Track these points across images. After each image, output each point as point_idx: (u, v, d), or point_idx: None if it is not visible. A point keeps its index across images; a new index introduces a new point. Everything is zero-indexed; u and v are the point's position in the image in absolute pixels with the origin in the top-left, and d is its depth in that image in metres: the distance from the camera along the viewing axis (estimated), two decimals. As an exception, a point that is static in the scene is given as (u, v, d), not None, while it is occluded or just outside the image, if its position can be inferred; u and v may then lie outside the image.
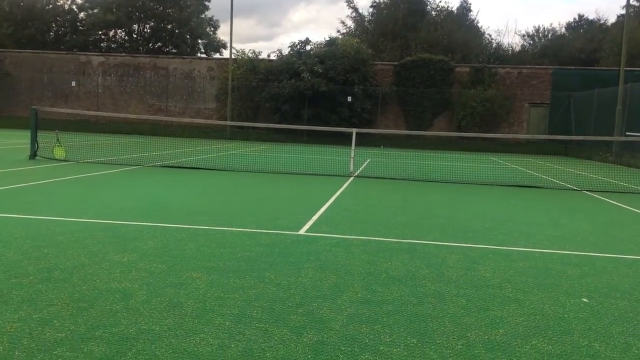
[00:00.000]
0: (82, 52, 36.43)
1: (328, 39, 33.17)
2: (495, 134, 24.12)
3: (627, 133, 23.34)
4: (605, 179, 14.02)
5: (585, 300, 3.93)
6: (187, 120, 20.72)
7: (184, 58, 35.98)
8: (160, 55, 36.49)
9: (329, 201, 8.11)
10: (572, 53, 45.53)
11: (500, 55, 46.85)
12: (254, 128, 32.04)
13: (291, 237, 5.53)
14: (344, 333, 3.08)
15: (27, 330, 2.91)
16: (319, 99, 29.67)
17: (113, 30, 45.72)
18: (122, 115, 29.52)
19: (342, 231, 5.92)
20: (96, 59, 34.82)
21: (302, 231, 5.84)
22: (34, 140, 12.53)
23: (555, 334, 3.25)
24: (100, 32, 45.25)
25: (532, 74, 31.69)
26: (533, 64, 41.54)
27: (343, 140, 28.77)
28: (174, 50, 45.90)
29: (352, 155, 12.30)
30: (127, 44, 45.55)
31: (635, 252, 5.59)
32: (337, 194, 9.01)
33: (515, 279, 4.39)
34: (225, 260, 4.49)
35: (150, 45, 45.61)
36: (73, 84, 33.34)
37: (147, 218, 6.16)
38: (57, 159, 12.37)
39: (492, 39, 49.61)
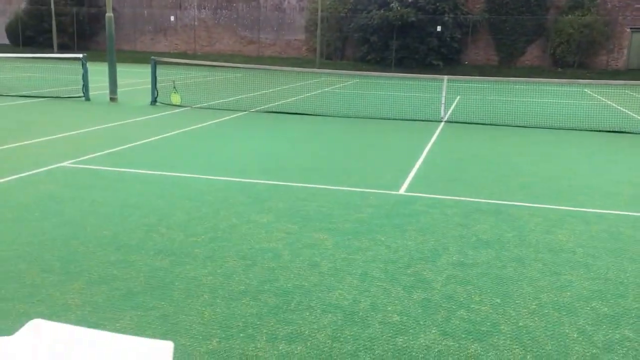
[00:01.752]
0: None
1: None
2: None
3: None
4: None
5: (646, 266, 4.71)
6: (279, 55, 21.63)
7: (274, -11, 36.49)
8: (250, -13, 37.17)
9: (422, 155, 8.98)
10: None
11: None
12: (342, 57, 32.57)
13: (394, 197, 6.54)
14: (443, 292, 4.09)
15: (218, 282, 4.13)
16: (408, 29, 29.65)
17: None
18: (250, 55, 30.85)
19: (437, 191, 6.84)
20: (192, -8, 36.05)
21: (402, 190, 6.82)
22: (153, 88, 14.02)
23: (613, 297, 4.11)
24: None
25: (636, -4, 29.83)
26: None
27: (432, 70, 28.87)
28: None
29: (443, 101, 12.92)
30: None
31: None
32: (429, 145, 9.83)
33: (588, 243, 5.19)
34: (344, 221, 5.58)
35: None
36: (172, 18, 34.88)
37: (270, 176, 7.33)
38: (174, 105, 13.85)
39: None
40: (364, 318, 3.69)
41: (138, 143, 9.26)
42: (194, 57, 33.03)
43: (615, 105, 16.98)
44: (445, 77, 13.19)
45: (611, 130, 11.91)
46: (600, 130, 11.83)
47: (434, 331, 3.55)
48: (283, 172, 7.66)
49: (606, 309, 3.92)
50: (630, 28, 29.69)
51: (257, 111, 13.51)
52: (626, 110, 15.62)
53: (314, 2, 32.38)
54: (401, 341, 3.42)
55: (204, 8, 35.26)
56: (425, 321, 3.67)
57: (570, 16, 29.27)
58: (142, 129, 10.56)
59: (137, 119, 11.85)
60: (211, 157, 8.44)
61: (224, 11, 35.03)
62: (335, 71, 16.91)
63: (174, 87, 14.13)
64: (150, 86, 14.18)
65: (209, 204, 6.05)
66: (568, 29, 29.14)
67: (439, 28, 29.42)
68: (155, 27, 35.97)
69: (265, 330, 3.47)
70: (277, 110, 13.69)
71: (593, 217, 5.98)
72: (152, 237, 4.98)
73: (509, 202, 6.48)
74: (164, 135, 10.06)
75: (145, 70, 19.44)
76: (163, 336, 3.34)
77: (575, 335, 3.54)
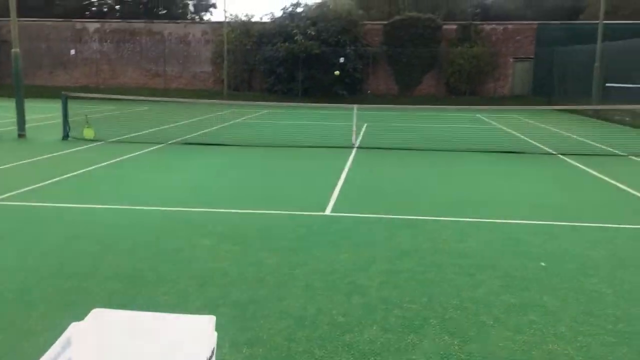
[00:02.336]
0: (78, 19, 36.83)
1: (320, 0, 33.93)
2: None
3: (606, 84, 24.88)
4: (581, 139, 15.63)
5: (542, 264, 5.53)
6: (185, 87, 21.86)
7: (178, 23, 36.60)
8: (155, 21, 37.05)
9: (341, 178, 9.63)
10: (557, 2, 46.41)
11: (485, 5, 47.65)
12: (249, 89, 33.16)
13: (322, 217, 7.09)
14: (378, 296, 4.66)
15: (175, 300, 4.45)
16: (313, 60, 30.76)
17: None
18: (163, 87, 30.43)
19: (359, 210, 7.47)
20: (92, 25, 35.39)
21: (328, 211, 7.39)
22: (65, 123, 13.84)
23: (518, 290, 4.85)
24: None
25: (516, 29, 32.83)
26: (517, 14, 42.46)
27: (337, 99, 30.09)
28: (163, 12, 46.25)
29: (354, 129, 13.77)
30: (117, 7, 45.79)
31: (587, 220, 7.20)
32: (346, 169, 10.53)
33: (493, 248, 5.99)
34: (281, 241, 6.04)
35: (141, 7, 45.87)
36: (72, 52, 34.03)
37: (202, 204, 7.66)
38: (87, 139, 13.73)
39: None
40: (313, 321, 4.17)
41: (61, 178, 9.25)
42: (97, 90, 32.31)
43: (505, 128, 18.69)
44: (355, 106, 14.08)
45: (504, 150, 13.21)
46: (494, 151, 13.09)
47: (375, 328, 4.09)
48: (214, 199, 8.01)
49: (514, 300, 4.64)
50: (513, 58, 32.56)
51: (175, 143, 13.70)
52: (515, 133, 17.26)
53: (219, 35, 32.85)
54: (348, 338, 3.93)
55: (106, 41, 34.70)
56: (367, 320, 4.21)
57: (460, 48, 31.65)
58: (61, 164, 10.49)
59: (54, 154, 11.70)
60: (141, 188, 8.63)
61: (127, 44, 34.64)
62: (251, 103, 17.41)
63: (87, 122, 14.02)
64: (57, 121, 14.05)
65: (149, 231, 6.31)
66: (459, 59, 31.47)
67: (341, 59, 30.78)
68: (54, 61, 34.87)
69: (227, 338, 3.86)
70: (195, 142, 13.94)
71: (496, 226, 6.83)
72: (101, 265, 5.20)
73: (423, 217, 7.22)
74: (87, 169, 10.08)
75: (46, 105, 19.05)
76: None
77: (491, 322, 4.21)
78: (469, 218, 7.19)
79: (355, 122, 13.89)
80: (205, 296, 4.55)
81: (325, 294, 4.66)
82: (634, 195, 8.73)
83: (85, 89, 32.39)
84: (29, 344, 3.70)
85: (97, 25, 35.37)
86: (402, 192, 8.70)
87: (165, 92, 32.16)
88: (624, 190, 9.08)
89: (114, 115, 20.85)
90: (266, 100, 28.84)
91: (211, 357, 1.71)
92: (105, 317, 1.87)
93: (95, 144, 13.33)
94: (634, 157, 12.60)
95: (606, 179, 9.98)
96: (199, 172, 10.12)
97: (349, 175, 9.95)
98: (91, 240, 5.93)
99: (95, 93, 32.22)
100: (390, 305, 4.48)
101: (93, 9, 45.56)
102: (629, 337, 4.00)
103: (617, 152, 13.39)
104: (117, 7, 46.08)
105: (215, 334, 1.81)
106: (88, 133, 13.93)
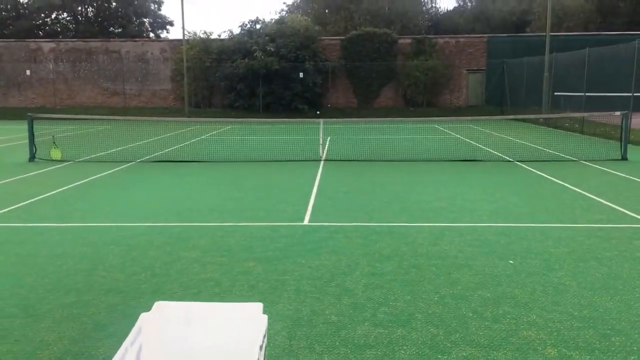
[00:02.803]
0: (32, 40, 36.29)
1: (277, 17, 34.41)
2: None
3: (555, 93, 26.08)
4: (534, 146, 16.43)
5: (511, 262, 5.98)
6: (146, 105, 21.91)
7: (135, 41, 36.46)
8: (111, 39, 36.85)
9: (314, 190, 9.98)
10: (504, 16, 48.26)
11: (437, 20, 49.16)
12: (210, 105, 33.26)
13: (301, 227, 7.41)
14: (365, 296, 5.00)
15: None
16: (273, 76, 31.13)
17: (56, 13, 45.25)
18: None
19: (335, 219, 7.82)
20: (47, 45, 34.95)
21: (306, 222, 7.71)
22: (31, 144, 13.77)
23: (492, 286, 5.27)
24: (43, 15, 44.73)
25: (468, 42, 34.03)
26: (467, 28, 43.97)
27: (298, 114, 30.52)
28: (119, 30, 45.92)
29: (321, 142, 14.16)
30: (72, 26, 45.24)
31: (547, 221, 7.73)
32: (317, 181, 10.88)
33: (465, 249, 6.42)
34: (265, 251, 6.33)
35: (96, 26, 45.44)
36: (28, 72, 33.47)
37: (183, 219, 7.87)
38: (54, 160, 13.70)
39: (431, 4, 51.75)
40: (309, 321, 4.47)
41: (38, 198, 9.29)
42: (54, 111, 31.86)
43: (463, 138, 19.42)
44: (322, 120, 14.49)
45: (464, 159, 13.82)
46: (455, 160, 13.68)
47: (366, 324, 4.43)
48: (193, 214, 8.23)
49: (488, 294, 5.06)
50: (466, 70, 33.71)
51: (144, 161, 13.80)
52: (473, 142, 17.98)
53: (178, 53, 32.91)
54: (343, 334, 4.25)
55: (62, 61, 34.28)
56: (358, 318, 4.54)
57: (415, 61, 32.61)
58: (35, 185, 10.50)
59: (23, 175, 11.66)
60: (118, 206, 8.76)
61: (83, 63, 34.30)
62: (222, 120, 17.57)
63: (54, 142, 13.99)
64: (18, 142, 14.00)
65: (135, 247, 6.50)
66: (415, 72, 32.41)
67: (301, 75, 31.26)
68: (8, 82, 34.22)
69: (231, 340, 4.13)
70: (164, 159, 14.07)
71: (465, 230, 7.28)
72: (96, 280, 5.38)
73: (398, 223, 7.62)
74: (61, 188, 10.12)
75: (2, 127, 18.73)
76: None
77: (470, 314, 4.60)
78: (440, 223, 7.62)
79: (322, 135, 14.27)
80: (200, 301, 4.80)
81: (316, 297, 4.97)
82: (587, 196, 9.36)
83: (42, 109, 31.91)
84: (44, 353, 3.89)
85: (52, 44, 34.94)
86: (374, 201, 9.09)
87: (125, 111, 31.98)
88: (578, 192, 9.71)
89: (76, 135, 20.70)
90: (228, 117, 29.01)
91: (264, 336, 2.00)
92: (167, 308, 2.15)
93: (63, 164, 13.31)
94: (584, 162, 13.37)
95: (561, 182, 10.63)
96: (173, 188, 10.30)
97: (320, 187, 10.30)
98: (79, 258, 6.08)
99: (52, 113, 31.77)
100: (377, 304, 4.83)
101: (46, 28, 44.85)
102: (593, 322, 4.45)
103: (569, 157, 14.18)
104: (72, 26, 45.48)
105: (265, 316, 2.10)
106: (55, 154, 13.88)
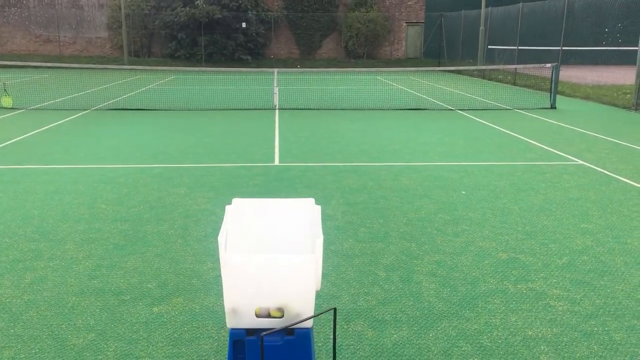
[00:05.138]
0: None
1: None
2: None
3: (488, 46, 27.38)
4: (471, 95, 17.57)
5: (463, 192, 6.92)
6: (81, 54, 21.57)
7: (68, -15, 34.96)
8: (42, -17, 35.13)
9: (275, 136, 10.62)
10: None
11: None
12: (149, 55, 32.72)
13: (273, 167, 8.09)
14: (345, 220, 5.79)
15: (181, 233, 5.32)
16: (214, 25, 30.90)
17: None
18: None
19: (303, 160, 8.54)
20: (-29, -12, 33.02)
21: (276, 162, 8.39)
22: (-19, 92, 13.61)
23: (450, 210, 6.18)
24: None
25: (408, -5, 34.71)
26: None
27: (241, 64, 30.59)
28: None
29: (276, 91, 14.70)
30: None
31: (490, 160, 8.74)
32: (276, 128, 11.51)
33: (423, 183, 7.31)
34: (246, 186, 6.99)
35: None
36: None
37: (159, 161, 8.37)
38: (5, 107, 13.61)
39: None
40: (301, 240, 5.22)
41: (6, 144, 9.47)
42: (-17, 58, 30.49)
43: (405, 88, 20.37)
44: (276, 70, 14.97)
45: (409, 108, 14.74)
46: (400, 109, 14.58)
47: (350, 241, 5.23)
48: (168, 157, 8.72)
49: (448, 217, 5.96)
50: (406, 22, 34.54)
51: (99, 109, 13.93)
52: (415, 92, 18.95)
53: (115, 0, 31.96)
54: (333, 247, 5.04)
55: (-11, 5, 32.59)
56: (342, 236, 5.33)
57: (356, 12, 33.12)
58: (-6, 132, 10.60)
59: (-20, 122, 11.66)
60: (94, 149, 9.11)
61: (12, 9, 32.75)
62: (165, 68, 17.63)
63: (5, 90, 13.85)
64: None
65: (125, 185, 7.01)
66: (356, 24, 32.95)
67: (244, 24, 31.18)
68: None
69: (238, 255, 4.83)
70: (119, 107, 14.23)
71: (420, 168, 8.18)
72: (99, 212, 5.91)
73: (360, 163, 8.43)
74: (26, 134, 10.30)
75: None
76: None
77: (435, 232, 5.49)
78: (398, 163, 8.49)
79: (277, 85, 14.79)
80: (205, 229, 5.46)
81: (302, 222, 5.71)
82: (522, 139, 10.47)
83: (-30, 56, 30.45)
84: (79, 267, 4.48)
85: (-23, -13, 33.06)
86: (333, 144, 9.85)
87: (60, 59, 31.02)
88: (514, 135, 10.81)
89: (18, 84, 20.21)
90: (169, 65, 28.74)
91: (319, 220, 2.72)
92: (242, 203, 2.83)
93: (17, 111, 13.27)
94: (517, 110, 14.58)
95: (499, 128, 11.73)
96: (140, 134, 10.66)
97: (281, 133, 10.94)
98: (75, 194, 6.55)
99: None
100: (356, 225, 5.63)
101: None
102: (534, 234, 5.43)
103: (504, 106, 15.37)
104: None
105: (319, 207, 2.81)
106: (6, 101, 13.77)
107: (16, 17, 32.97)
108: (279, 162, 8.40)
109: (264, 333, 2.31)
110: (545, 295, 4.11)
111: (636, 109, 14.88)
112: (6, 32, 33.03)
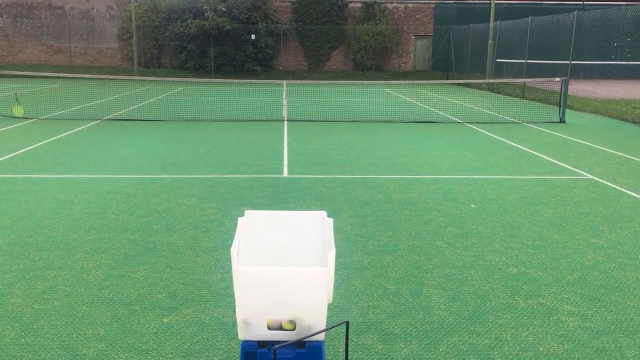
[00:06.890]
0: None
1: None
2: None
3: (497, 60, 27.41)
4: (479, 109, 17.57)
5: (472, 205, 6.90)
6: (92, 64, 21.75)
7: (80, -4, 35.37)
8: (54, -6, 35.56)
9: (284, 147, 10.65)
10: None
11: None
12: (159, 66, 32.96)
13: (282, 179, 8.10)
14: (355, 232, 5.79)
15: (191, 244, 5.33)
16: (224, 37, 31.11)
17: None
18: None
19: (312, 172, 8.55)
20: (-15, -1, 33.46)
21: (285, 174, 8.41)
22: (-7, 101, 13.75)
23: (459, 224, 6.17)
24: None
25: (416, 8, 34.88)
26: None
27: (250, 75, 30.77)
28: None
29: (285, 103, 14.76)
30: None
31: (500, 173, 8.73)
32: (285, 139, 11.54)
33: (432, 196, 7.30)
34: (255, 198, 7.01)
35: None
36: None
37: (169, 172, 8.41)
38: (17, 117, 13.73)
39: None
40: (310, 252, 5.22)
41: (17, 153, 9.56)
42: (-5, 68, 30.81)
43: (414, 101, 20.40)
44: (285, 81, 15.04)
45: (417, 120, 14.76)
46: (408, 121, 14.60)
47: (359, 253, 5.22)
48: (177, 167, 8.76)
49: (457, 230, 5.95)
50: (414, 35, 34.66)
51: (109, 119, 14.03)
52: (423, 105, 18.98)
53: (126, 11, 32.27)
54: (342, 260, 5.03)
55: (2, 16, 32.96)
56: (352, 249, 5.33)
57: (365, 25, 33.28)
58: (8, 141, 10.67)
59: (-9, 132, 11.77)
60: (104, 159, 9.17)
61: (25, 19, 33.12)
62: (176, 79, 17.75)
63: (17, 99, 13.98)
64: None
65: (134, 195, 7.04)
66: (364, 36, 33.10)
67: (253, 36, 31.39)
68: (-57, 36, 32.70)
69: (247, 266, 4.83)
70: (129, 118, 14.33)
71: (429, 181, 8.17)
72: (109, 221, 5.94)
73: (369, 175, 8.43)
74: (38, 144, 10.38)
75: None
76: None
77: (444, 245, 5.48)
78: (406, 175, 8.49)
79: (285, 97, 14.86)
80: (214, 240, 5.47)
81: (311, 234, 5.72)
82: (531, 153, 10.44)
83: (-18, 66, 30.78)
84: (90, 276, 4.49)
85: (-9, -2, 33.50)
86: (343, 156, 9.87)
87: (71, 69, 31.29)
88: (523, 149, 10.80)
89: (29, 93, 20.39)
90: (178, 77, 28.91)
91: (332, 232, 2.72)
92: (254, 214, 2.83)
93: (28, 121, 13.38)
94: (526, 124, 14.57)
95: (508, 141, 11.71)
96: (149, 145, 10.72)
97: (290, 144, 10.97)
98: (85, 204, 6.59)
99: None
100: (365, 238, 5.63)
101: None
102: (544, 249, 5.41)
103: (513, 119, 15.36)
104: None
105: (331, 219, 2.82)
106: (18, 111, 13.89)
107: (28, 28, 33.33)
108: (288, 174, 8.42)
109: (278, 346, 2.31)
110: (557, 310, 4.09)
111: (646, 124, 14.83)
112: (18, 43, 33.39)
